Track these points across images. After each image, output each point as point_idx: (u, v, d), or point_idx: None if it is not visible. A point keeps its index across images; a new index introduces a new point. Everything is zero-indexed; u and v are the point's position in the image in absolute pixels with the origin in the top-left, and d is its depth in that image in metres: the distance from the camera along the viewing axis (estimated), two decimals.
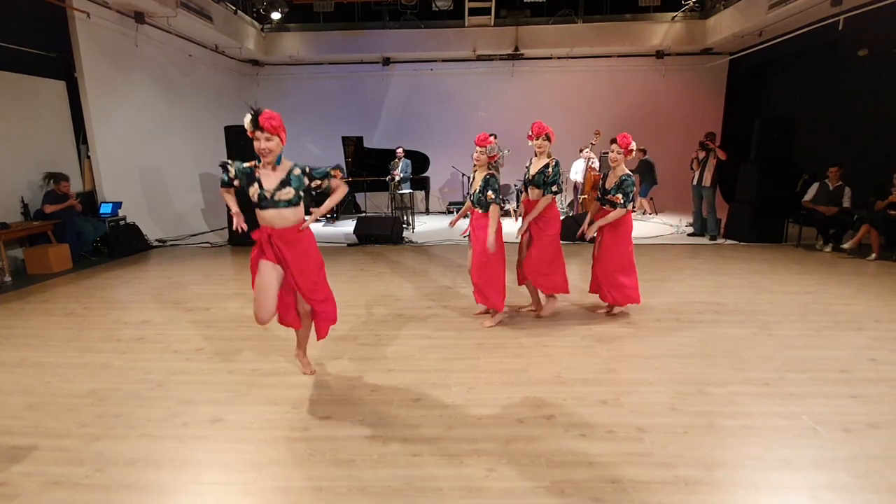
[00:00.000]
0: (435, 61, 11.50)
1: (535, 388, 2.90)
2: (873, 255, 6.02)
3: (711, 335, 3.69)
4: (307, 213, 2.78)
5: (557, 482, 2.06)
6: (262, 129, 2.52)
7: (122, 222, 7.14)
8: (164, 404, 2.76)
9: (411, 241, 7.76)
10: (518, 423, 2.53)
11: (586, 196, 8.71)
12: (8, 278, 5.51)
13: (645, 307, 4.30)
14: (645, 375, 3.04)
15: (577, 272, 5.55)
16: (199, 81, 9.79)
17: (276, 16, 9.63)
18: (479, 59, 11.28)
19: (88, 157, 7.23)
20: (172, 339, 3.75)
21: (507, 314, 4.18)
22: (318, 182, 2.72)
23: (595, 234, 4.06)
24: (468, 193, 4.10)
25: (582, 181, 8.92)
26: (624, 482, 2.06)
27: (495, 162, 3.78)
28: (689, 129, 10.71)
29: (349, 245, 7.58)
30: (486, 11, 10.22)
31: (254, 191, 2.63)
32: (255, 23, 10.45)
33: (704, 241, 7.53)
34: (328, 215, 9.62)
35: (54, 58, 6.82)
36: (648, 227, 8.77)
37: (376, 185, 10.20)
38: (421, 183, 10.59)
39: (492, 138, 3.71)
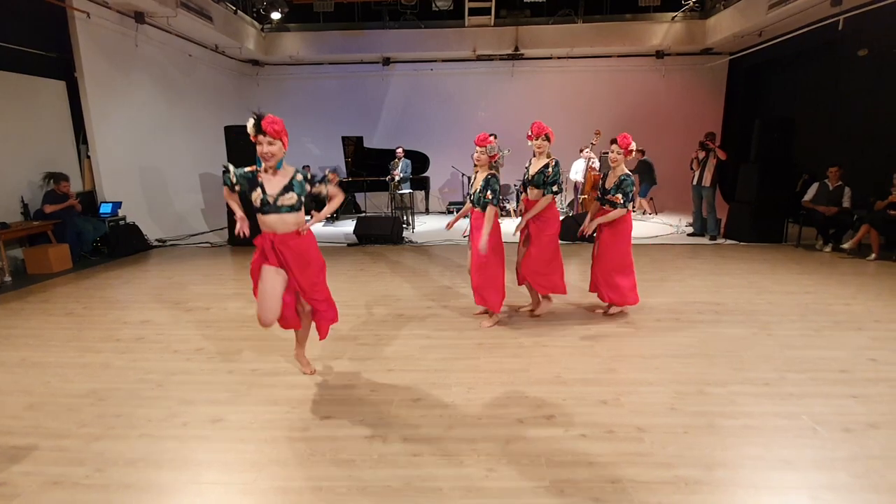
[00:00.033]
0: (435, 61, 11.50)
1: (535, 388, 2.90)
2: (873, 255, 6.02)
3: (711, 335, 3.69)
4: (307, 213, 2.80)
5: (557, 482, 2.07)
6: (264, 134, 2.55)
7: (122, 222, 7.14)
8: (164, 404, 2.76)
9: (411, 241, 7.76)
10: (518, 423, 2.53)
11: (586, 196, 8.71)
12: (8, 278, 5.51)
13: (645, 307, 4.30)
14: (645, 375, 3.04)
15: (577, 272, 5.56)
16: (199, 81, 9.79)
17: (276, 16, 9.63)
18: (479, 59, 11.28)
19: (88, 157, 7.24)
20: (172, 339, 3.75)
21: (507, 314, 4.18)
22: (319, 189, 2.76)
23: (594, 232, 4.06)
24: (468, 193, 4.10)
25: (582, 181, 8.92)
26: (624, 482, 2.06)
27: (495, 162, 3.78)
28: (689, 129, 10.71)
29: (349, 245, 7.58)
30: (486, 11, 10.22)
31: (256, 196, 2.65)
32: (255, 23, 10.45)
33: (704, 241, 7.53)
34: (328, 216, 9.67)
35: (54, 58, 6.82)
36: (648, 227, 8.77)
37: (376, 185, 10.20)
38: (421, 183, 10.59)
39: (492, 138, 3.71)
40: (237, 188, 2.73)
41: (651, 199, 10.05)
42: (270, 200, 2.63)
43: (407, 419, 2.57)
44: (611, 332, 3.78)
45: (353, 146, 10.30)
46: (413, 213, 9.35)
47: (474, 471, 2.15)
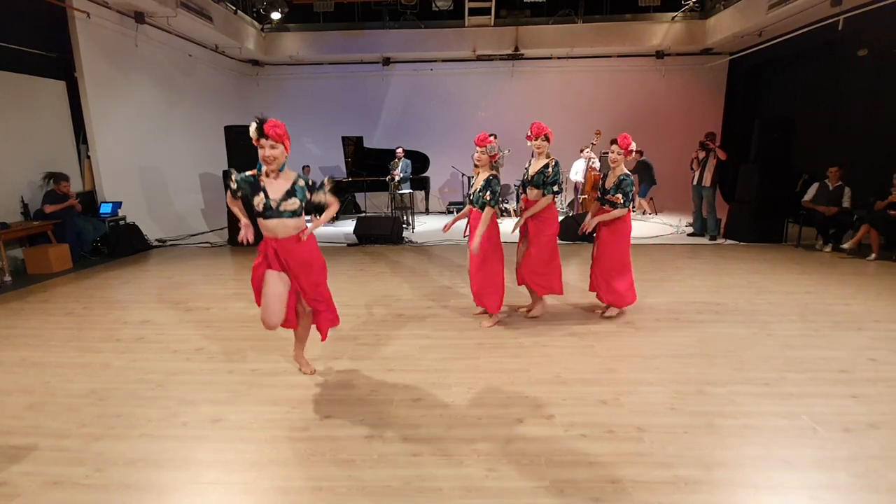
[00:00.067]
0: (435, 61, 11.50)
1: (535, 388, 2.90)
2: (873, 255, 6.02)
3: (711, 335, 3.69)
4: (307, 213, 2.81)
5: (557, 482, 2.07)
6: (266, 137, 2.56)
7: (122, 222, 7.14)
8: (164, 404, 2.76)
9: (411, 241, 7.76)
10: (518, 423, 2.53)
11: (586, 196, 8.71)
12: (8, 278, 5.51)
13: (645, 307, 4.30)
14: (645, 375, 3.04)
15: (577, 272, 5.56)
16: (199, 81, 9.79)
17: (276, 16, 9.63)
18: (479, 59, 11.28)
19: (88, 157, 7.24)
20: (172, 339, 3.75)
21: (506, 314, 4.18)
22: (319, 199, 2.79)
23: (594, 231, 4.06)
24: (468, 194, 4.10)
25: (582, 181, 8.92)
26: (624, 482, 2.06)
27: (496, 161, 3.78)
28: (688, 129, 10.71)
29: (349, 245, 7.58)
30: (486, 11, 10.22)
31: (259, 200, 2.66)
32: (255, 23, 10.45)
33: (704, 241, 7.53)
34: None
35: (54, 58, 6.82)
36: (648, 227, 8.77)
37: (376, 185, 10.20)
38: (421, 183, 10.59)
39: (492, 138, 3.72)
40: (239, 194, 2.74)
41: (651, 199, 10.05)
42: (273, 205, 2.65)
43: (407, 419, 2.57)
44: (611, 332, 3.78)
45: (353, 146, 10.30)
46: (413, 214, 9.35)
47: (474, 471, 2.15)
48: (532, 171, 3.82)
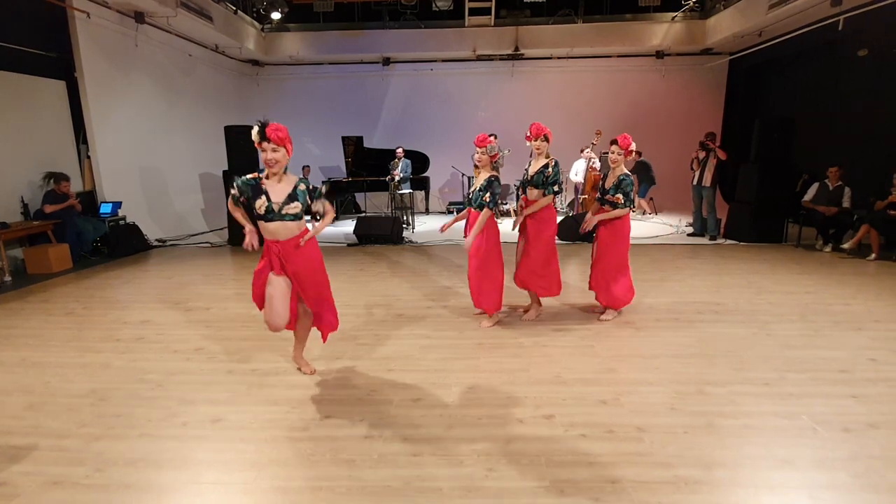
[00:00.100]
0: (435, 61, 11.50)
1: (534, 388, 2.90)
2: (873, 255, 6.02)
3: (711, 335, 3.69)
4: (307, 214, 2.82)
5: (557, 482, 2.07)
6: (268, 140, 2.57)
7: (122, 222, 7.14)
8: (164, 404, 2.76)
9: (411, 241, 7.76)
10: (518, 423, 2.53)
11: (586, 196, 8.71)
12: (8, 278, 5.51)
13: (645, 307, 4.30)
14: (645, 375, 3.04)
15: (576, 272, 5.56)
16: (199, 81, 9.79)
17: (276, 16, 9.63)
18: (479, 59, 11.28)
19: (88, 157, 7.23)
20: (172, 339, 3.75)
21: (506, 314, 4.18)
22: (317, 208, 2.82)
23: (594, 231, 4.06)
24: (468, 194, 4.10)
25: (583, 181, 8.92)
26: (624, 482, 2.06)
27: (496, 162, 3.78)
28: (688, 129, 10.70)
29: (349, 245, 7.58)
30: (486, 11, 10.22)
31: (261, 203, 2.66)
32: (255, 23, 10.45)
33: (704, 241, 7.53)
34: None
35: (54, 58, 6.82)
36: (648, 227, 8.77)
37: (376, 185, 10.19)
38: (421, 183, 10.58)
39: (491, 138, 3.72)
40: (241, 200, 2.75)
41: (651, 199, 10.05)
42: (275, 208, 2.66)
43: (407, 419, 2.57)
44: (611, 332, 3.78)
45: (353, 146, 10.30)
46: (413, 214, 9.35)
47: (474, 471, 2.15)
48: (532, 171, 3.83)
